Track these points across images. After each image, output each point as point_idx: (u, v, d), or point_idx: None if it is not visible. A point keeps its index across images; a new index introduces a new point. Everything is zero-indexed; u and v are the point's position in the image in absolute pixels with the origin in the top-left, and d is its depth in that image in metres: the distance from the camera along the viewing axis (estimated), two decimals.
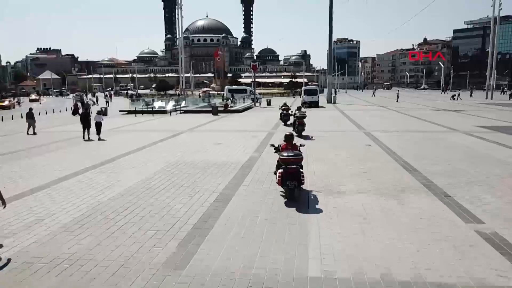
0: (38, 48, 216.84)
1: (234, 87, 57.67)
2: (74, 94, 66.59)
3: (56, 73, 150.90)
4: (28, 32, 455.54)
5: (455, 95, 55.83)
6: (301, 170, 8.14)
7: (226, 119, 29.02)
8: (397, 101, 48.92)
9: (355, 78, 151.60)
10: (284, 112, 23.51)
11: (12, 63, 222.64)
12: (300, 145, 9.39)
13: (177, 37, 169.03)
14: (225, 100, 41.14)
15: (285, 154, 8.23)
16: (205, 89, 71.80)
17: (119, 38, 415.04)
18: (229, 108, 34.61)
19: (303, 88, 42.90)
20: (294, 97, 66.15)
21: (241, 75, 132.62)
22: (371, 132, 19.57)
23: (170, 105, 37.94)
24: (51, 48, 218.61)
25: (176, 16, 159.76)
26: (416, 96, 68.54)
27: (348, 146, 15.12)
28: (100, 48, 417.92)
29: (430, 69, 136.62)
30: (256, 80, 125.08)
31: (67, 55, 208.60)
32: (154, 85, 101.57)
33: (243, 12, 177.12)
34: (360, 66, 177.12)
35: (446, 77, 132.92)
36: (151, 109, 32.96)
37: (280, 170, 8.07)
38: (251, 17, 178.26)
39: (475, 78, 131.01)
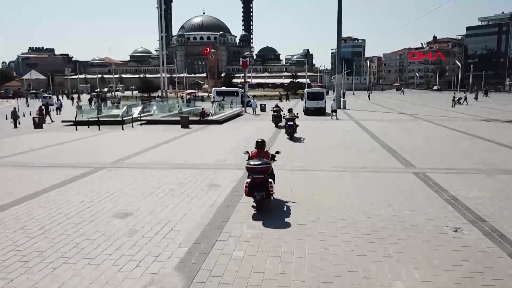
0: (30, 48, 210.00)
1: (223, 89, 49.04)
2: (42, 97, 58.15)
3: (47, 73, 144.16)
4: (26, 31, 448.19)
5: (460, 98, 46.80)
6: (270, 180, 7.46)
7: (196, 135, 20.40)
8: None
9: (361, 78, 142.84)
10: (275, 113, 22.99)
11: (7, 63, 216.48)
12: (276, 152, 8.49)
13: (172, 34, 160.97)
14: (213, 106, 32.73)
15: (251, 162, 7.56)
16: (189, 91, 62.88)
17: (116, 37, 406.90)
18: (206, 118, 26.01)
19: (306, 90, 34.03)
20: (282, 100, 56.13)
21: (238, 75, 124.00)
22: (427, 171, 10.92)
23: (136, 113, 29.52)
24: (44, 48, 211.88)
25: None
26: (436, 99, 59.78)
27: (408, 232, 6.44)
28: (98, 48, 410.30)
29: (443, 69, 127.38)
30: (254, 80, 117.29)
31: (61, 54, 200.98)
32: None
33: (242, 9, 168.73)
34: (366, 66, 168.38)
35: (457, 78, 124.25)
36: (97, 120, 24.30)
37: (247, 180, 7.45)
38: (251, 14, 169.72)
39: (490, 79, 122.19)
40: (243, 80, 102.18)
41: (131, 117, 26.12)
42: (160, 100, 41.51)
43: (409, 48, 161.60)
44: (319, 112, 31.44)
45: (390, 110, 37.68)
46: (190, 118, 25.52)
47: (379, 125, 24.14)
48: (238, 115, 32.59)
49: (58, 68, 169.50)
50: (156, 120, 26.35)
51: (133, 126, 24.51)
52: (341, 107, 39.61)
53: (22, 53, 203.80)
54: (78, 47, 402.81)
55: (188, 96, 50.44)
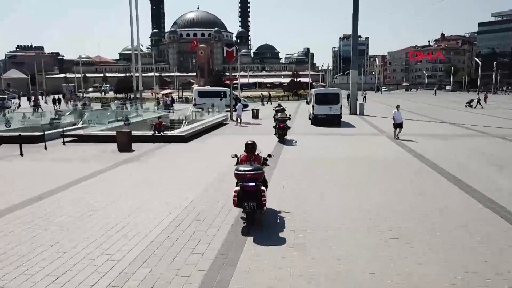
0: (18, 46, 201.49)
1: (207, 88, 40.22)
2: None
3: (35, 72, 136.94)
4: (20, 30, 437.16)
5: (472, 100, 38.74)
6: (262, 188, 6.51)
7: (125, 170, 11.39)
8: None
9: (366, 78, 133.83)
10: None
11: None
12: (268, 155, 7.62)
13: (165, 31, 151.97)
14: (187, 114, 24.21)
15: (241, 168, 6.62)
16: (167, 91, 53.34)
17: (111, 35, 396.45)
18: (165, 132, 17.02)
19: (314, 91, 24.42)
20: (264, 103, 46.13)
21: (234, 74, 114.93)
22: None
23: (80, 123, 20.82)
24: (33, 46, 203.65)
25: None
26: (463, 102, 50.74)
27: None
28: (92, 47, 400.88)
29: (456, 69, 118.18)
30: (251, 80, 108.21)
31: (51, 53, 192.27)
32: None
33: (239, 5, 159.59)
34: (369, 65, 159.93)
35: (468, 77, 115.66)
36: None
37: (236, 188, 6.55)
38: (248, 10, 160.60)
39: (504, 78, 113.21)
40: (235, 79, 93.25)
41: (55, 131, 17.26)
42: (120, 104, 32.79)
43: (416, 46, 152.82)
44: (333, 121, 22.52)
45: (424, 117, 28.65)
46: (140, 133, 16.71)
47: (438, 147, 15.15)
48: (220, 124, 23.69)
49: (47, 67, 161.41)
50: (90, 135, 17.34)
51: (46, 148, 15.52)
52: (357, 112, 30.74)
53: (10, 51, 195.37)
54: (72, 46, 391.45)
55: (166, 98, 41.20)
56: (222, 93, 35.08)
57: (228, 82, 56.43)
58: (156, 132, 16.98)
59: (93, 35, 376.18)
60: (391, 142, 16.59)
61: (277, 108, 20.49)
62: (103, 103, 33.73)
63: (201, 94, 35.48)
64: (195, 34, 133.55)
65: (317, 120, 22.67)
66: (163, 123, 17.14)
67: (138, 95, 41.67)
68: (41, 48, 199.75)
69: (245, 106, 37.13)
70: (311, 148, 14.88)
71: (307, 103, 26.49)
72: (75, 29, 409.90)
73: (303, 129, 21.28)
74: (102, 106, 30.38)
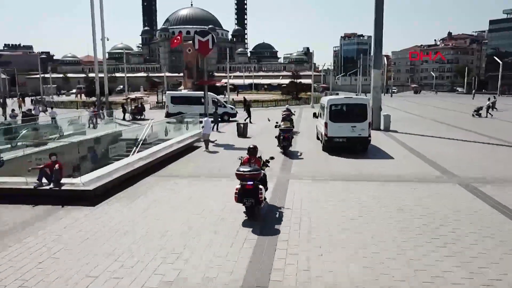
0: (5, 45, 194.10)
1: (184, 93, 32.33)
2: None
3: (22, 71, 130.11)
4: (10, 29, 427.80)
5: (481, 108, 30.66)
6: (260, 186, 7.51)
7: None
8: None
9: (369, 79, 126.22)
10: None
11: None
12: (271, 157, 8.70)
13: (157, 29, 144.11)
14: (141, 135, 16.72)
15: (241, 169, 7.67)
16: (136, 94, 44.33)
17: (106, 34, 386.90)
18: (59, 183, 9.08)
19: (327, 100, 15.46)
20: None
21: (230, 74, 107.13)
22: None
23: None
24: (21, 45, 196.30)
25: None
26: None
27: None
28: (87, 46, 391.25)
29: (469, 68, 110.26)
30: (247, 81, 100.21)
31: (42, 52, 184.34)
32: (119, 88, 78.06)
33: (235, 2, 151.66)
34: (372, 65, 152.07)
35: (477, 79, 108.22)
36: None
37: (238, 186, 7.60)
38: (245, 7, 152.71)
39: None
40: (234, 81, 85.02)
41: None
42: (92, 112, 25.03)
43: (421, 45, 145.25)
44: (356, 147, 14.70)
45: (478, 134, 20.72)
46: (13, 185, 8.87)
47: None
48: (190, 146, 15.84)
49: (35, 66, 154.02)
50: None
51: None
52: (381, 127, 22.91)
53: None
54: (64, 46, 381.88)
55: (134, 105, 33.03)
56: (196, 99, 27.03)
57: (216, 83, 48.11)
58: (45, 181, 9.11)
59: (85, 34, 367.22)
60: (487, 206, 8.68)
61: (284, 112, 19.00)
62: (24, 114, 25.64)
63: (176, 100, 27.58)
64: (188, 32, 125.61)
65: (332, 145, 14.79)
66: (57, 165, 9.18)
67: (103, 99, 33.80)
68: (30, 47, 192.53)
69: (233, 115, 29.28)
70: (332, 243, 7.00)
71: (315, 116, 18.61)
72: (70, 27, 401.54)
73: (311, 163, 13.33)
74: (23, 118, 22.39)
